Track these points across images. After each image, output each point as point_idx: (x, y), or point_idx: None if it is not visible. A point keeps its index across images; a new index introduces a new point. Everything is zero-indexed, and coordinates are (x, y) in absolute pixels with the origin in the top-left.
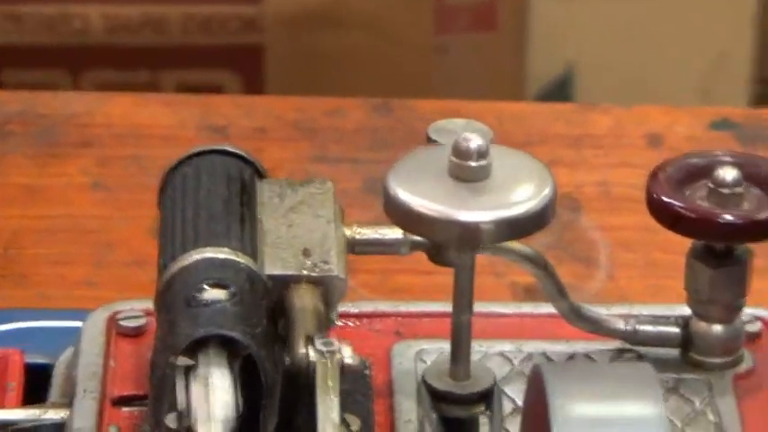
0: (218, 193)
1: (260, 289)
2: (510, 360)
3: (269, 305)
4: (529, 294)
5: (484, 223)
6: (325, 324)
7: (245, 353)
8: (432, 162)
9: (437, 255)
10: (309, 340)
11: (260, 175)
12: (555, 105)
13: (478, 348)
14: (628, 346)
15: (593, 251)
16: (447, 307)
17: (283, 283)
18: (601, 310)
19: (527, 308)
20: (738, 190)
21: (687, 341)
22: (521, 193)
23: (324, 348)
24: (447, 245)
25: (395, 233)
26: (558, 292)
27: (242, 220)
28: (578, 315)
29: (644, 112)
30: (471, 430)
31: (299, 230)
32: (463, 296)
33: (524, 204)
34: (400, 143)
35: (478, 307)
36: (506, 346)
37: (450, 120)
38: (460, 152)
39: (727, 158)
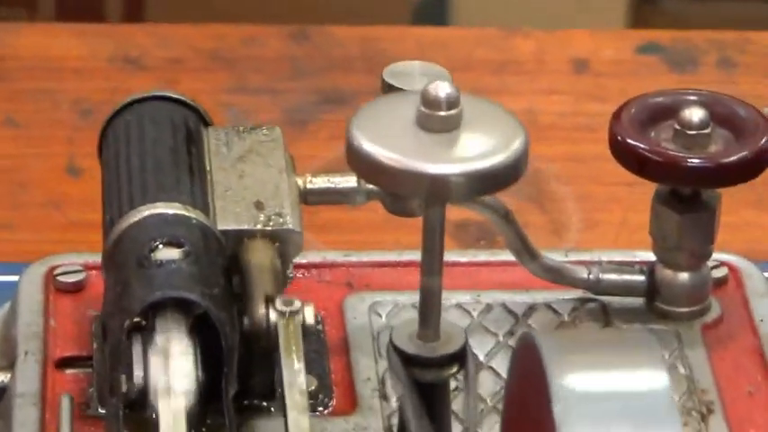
0: (163, 142)
1: (214, 246)
2: (469, 312)
3: (223, 262)
4: (461, 230)
5: (455, 176)
6: (282, 282)
7: (198, 312)
8: (397, 111)
9: (394, 204)
10: (269, 301)
11: (204, 122)
12: (476, 30)
13: None
14: (590, 295)
15: (525, 185)
16: (400, 256)
17: (237, 239)
18: (557, 257)
19: (482, 256)
20: (705, 131)
21: (653, 290)
22: (492, 144)
23: (285, 309)
24: (415, 199)
25: (349, 182)
26: (520, 242)
27: (191, 172)
28: (540, 265)
29: (567, 36)
30: (442, 393)
31: (250, 181)
32: (432, 256)
33: (496, 156)
34: (320, 71)
35: None
36: (463, 297)
37: (404, 62)
38: (429, 101)
39: (693, 97)
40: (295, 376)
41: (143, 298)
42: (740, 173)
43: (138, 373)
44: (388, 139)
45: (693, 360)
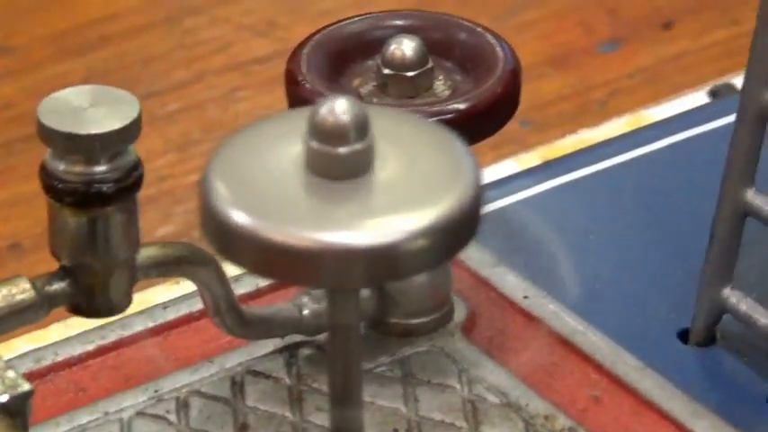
0: None
1: None
2: (165, 419)
3: None
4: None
5: (404, 242)
6: None
7: None
8: (273, 150)
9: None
10: None
11: None
12: None
13: (88, 419)
14: (298, 337)
15: None
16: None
17: None
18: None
19: (112, 334)
20: (427, 68)
21: (383, 305)
22: (431, 184)
23: None
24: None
25: (23, 292)
26: (224, 292)
27: None
28: (240, 318)
29: None
30: None
31: None
32: (348, 376)
33: (449, 199)
34: None
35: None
36: (138, 398)
37: (67, 90)
38: (324, 129)
39: (392, 21)
40: None
41: None
42: (496, 115)
43: None
44: (275, 202)
45: (495, 379)
